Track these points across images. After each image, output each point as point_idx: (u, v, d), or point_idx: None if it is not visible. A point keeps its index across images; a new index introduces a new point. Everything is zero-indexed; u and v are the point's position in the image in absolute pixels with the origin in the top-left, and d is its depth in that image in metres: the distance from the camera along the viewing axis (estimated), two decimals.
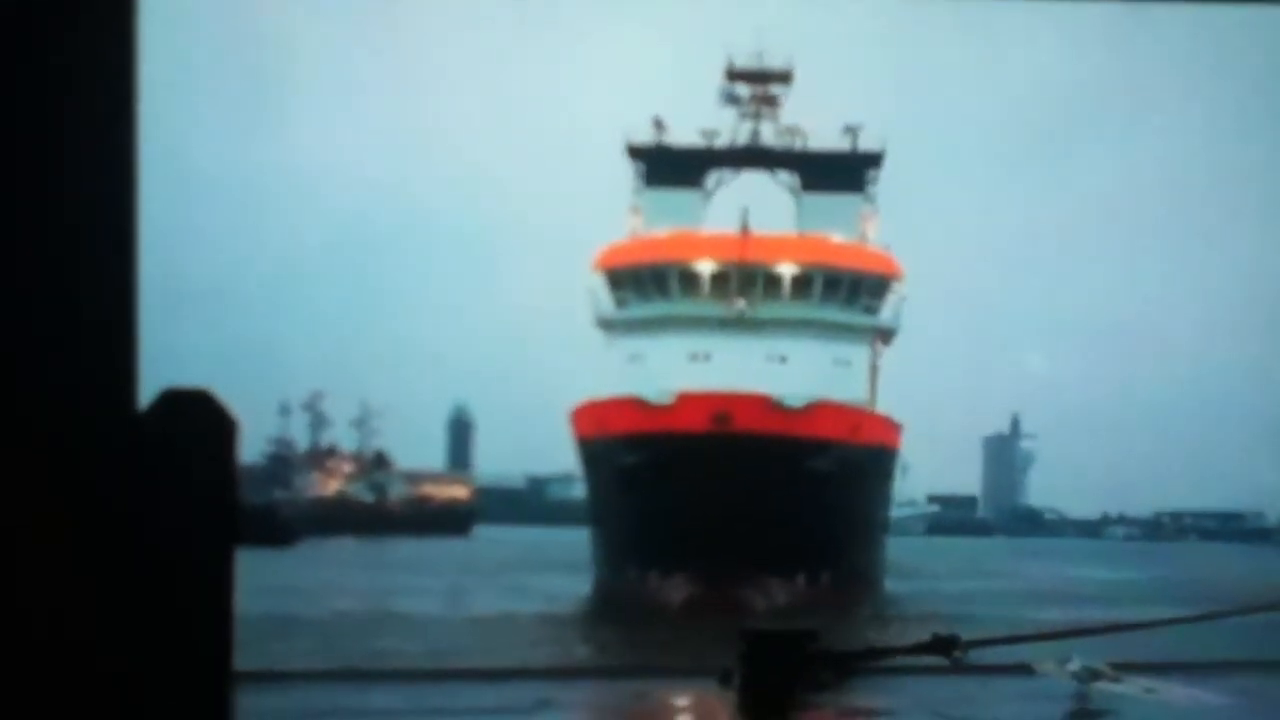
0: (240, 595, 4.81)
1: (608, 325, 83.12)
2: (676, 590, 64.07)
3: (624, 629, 56.09)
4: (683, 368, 73.00)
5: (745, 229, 73.83)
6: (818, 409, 67.52)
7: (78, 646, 4.47)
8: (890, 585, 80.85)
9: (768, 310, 76.21)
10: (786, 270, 77.85)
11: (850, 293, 79.96)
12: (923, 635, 8.28)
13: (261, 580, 53.20)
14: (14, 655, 4.42)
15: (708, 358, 74.72)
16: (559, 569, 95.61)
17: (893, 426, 78.24)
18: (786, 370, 73.35)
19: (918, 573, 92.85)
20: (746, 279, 75.66)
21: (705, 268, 77.79)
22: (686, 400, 65.17)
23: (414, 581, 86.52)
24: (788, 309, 77.15)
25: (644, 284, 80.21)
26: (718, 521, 61.51)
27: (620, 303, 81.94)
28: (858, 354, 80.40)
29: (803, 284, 78.09)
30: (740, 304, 75.37)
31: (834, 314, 78.80)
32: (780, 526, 63.10)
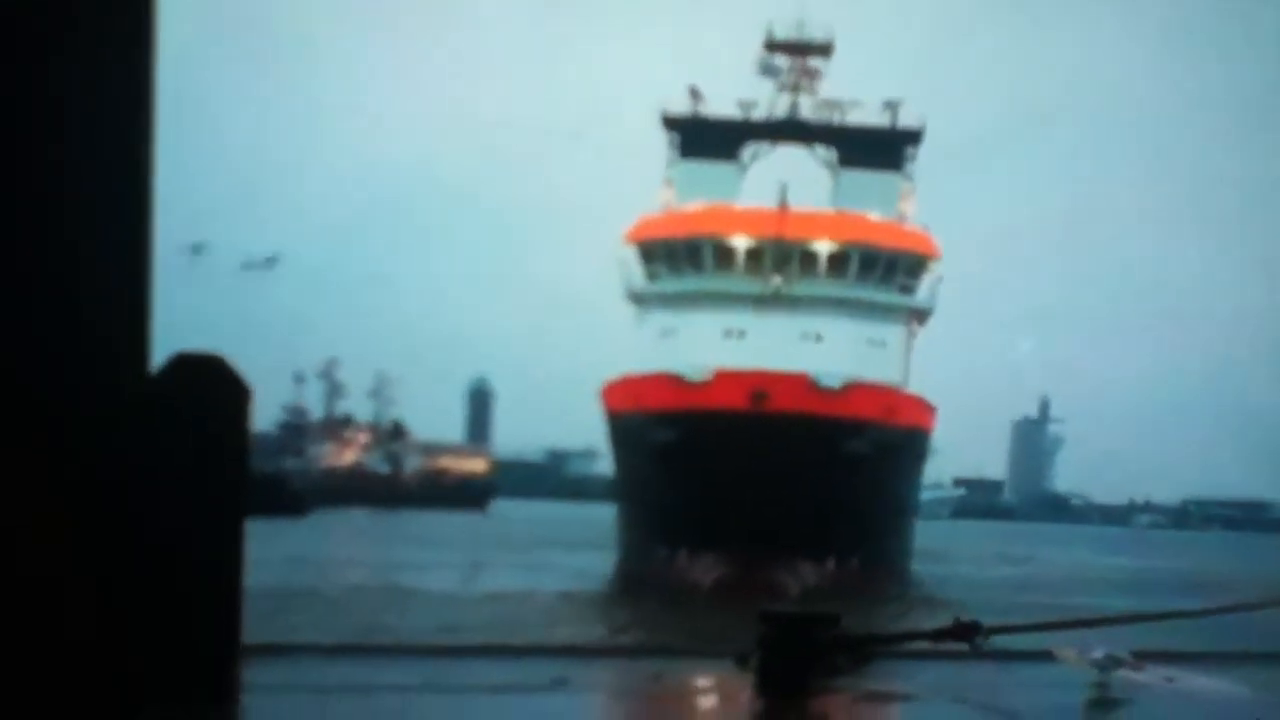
0: (250, 566, 4.87)
1: (639, 299, 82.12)
2: (706, 570, 63.20)
3: (650, 608, 55.67)
4: (717, 344, 72.28)
5: (784, 204, 72.49)
6: (855, 389, 66.53)
7: (87, 610, 4.48)
8: (918, 569, 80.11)
9: (803, 288, 75.21)
10: (823, 248, 76.63)
11: (886, 272, 78.76)
12: (959, 618, 8.25)
13: (271, 551, 53.10)
14: (28, 613, 4.43)
15: (742, 334, 73.98)
16: (582, 546, 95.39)
17: (927, 408, 77.08)
18: (821, 349, 72.52)
19: (944, 557, 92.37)
20: (782, 255, 74.65)
21: (741, 243, 76.52)
22: (724, 378, 64.32)
23: (430, 556, 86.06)
24: (823, 287, 76.08)
25: (677, 258, 79.01)
26: (751, 501, 60.71)
27: (652, 276, 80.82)
28: (892, 334, 79.44)
29: (839, 262, 76.86)
30: (776, 280, 74.39)
31: (870, 293, 77.73)
32: (814, 508, 62.38)
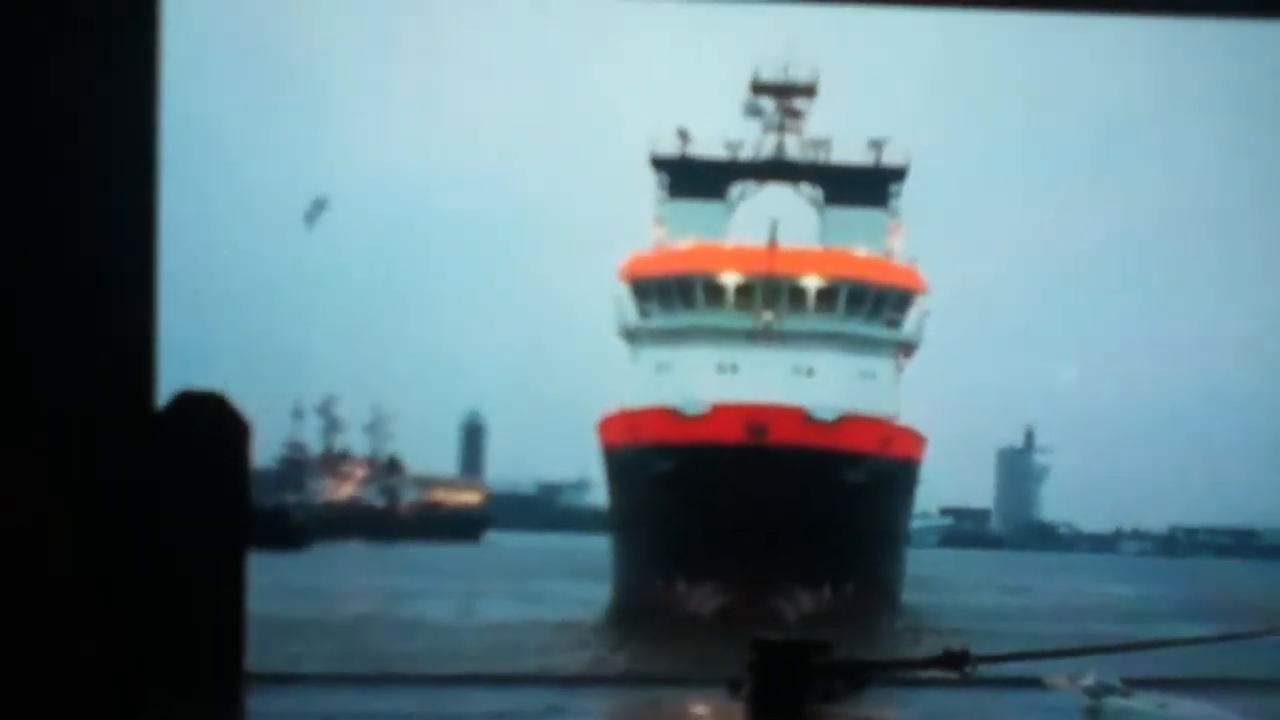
0: (253, 597, 5.05)
1: (632, 335, 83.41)
2: (705, 599, 64.51)
3: (650, 637, 57.05)
4: (711, 379, 73.51)
5: (774, 242, 73.66)
6: (850, 422, 67.85)
7: (91, 642, 4.51)
8: (910, 598, 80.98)
9: (793, 323, 76.55)
10: (812, 283, 78.10)
11: (875, 306, 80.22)
12: (949, 647, 8.33)
13: (273, 582, 53.65)
14: (27, 647, 4.49)
15: (735, 369, 75.24)
16: (575, 576, 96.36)
17: (919, 439, 78.41)
18: (813, 383, 73.75)
19: (935, 586, 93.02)
20: (772, 291, 75.87)
21: (731, 279, 77.98)
22: (722, 411, 65.57)
23: (428, 586, 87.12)
24: (813, 322, 77.46)
25: (669, 294, 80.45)
26: (749, 531, 62.05)
27: (644, 313, 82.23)
28: (882, 367, 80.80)
29: (828, 297, 78.38)
30: (768, 316, 75.74)
31: (858, 327, 79.09)
32: (810, 537, 63.58)
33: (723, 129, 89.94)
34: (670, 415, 68.06)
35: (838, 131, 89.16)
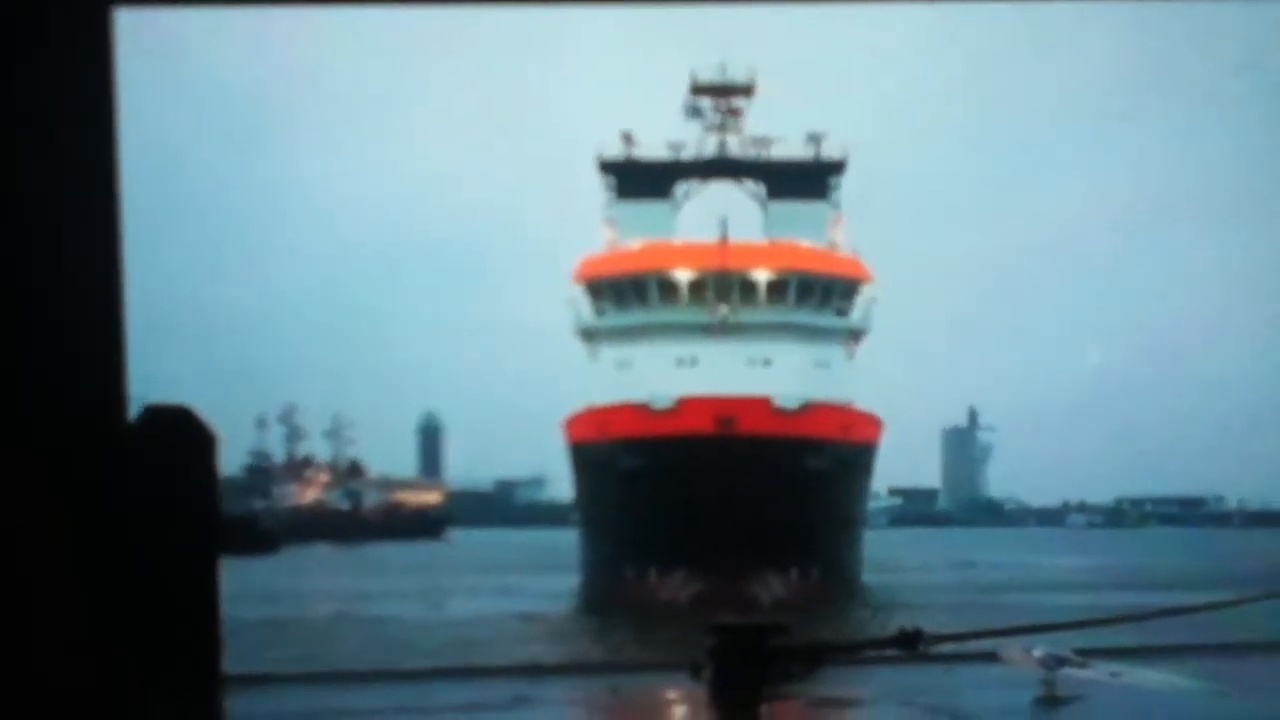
0: (227, 601, 5.11)
1: (590, 334, 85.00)
2: (678, 587, 66.11)
3: (621, 625, 57.94)
4: (671, 373, 75.03)
5: (724, 238, 75.70)
6: (813, 410, 69.69)
7: (68, 653, 4.55)
8: (871, 578, 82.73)
9: (746, 315, 78.17)
10: (762, 276, 79.86)
11: (823, 296, 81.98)
12: (919, 623, 8.36)
13: (246, 587, 52.75)
14: (5, 661, 4.50)
15: (694, 362, 76.86)
16: (539, 569, 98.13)
17: (876, 423, 79.89)
18: (771, 373, 75.24)
19: (891, 566, 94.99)
20: (724, 286, 77.73)
21: (683, 276, 79.89)
22: (690, 404, 67.31)
23: (395, 585, 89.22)
24: (765, 314, 79.14)
25: (624, 293, 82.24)
26: (718, 519, 63.77)
27: (600, 312, 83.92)
28: (835, 355, 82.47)
29: (778, 289, 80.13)
30: (723, 310, 77.50)
31: (809, 317, 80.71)
32: (777, 523, 65.44)
33: (665, 131, 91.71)
34: (639, 410, 69.58)
35: (776, 127, 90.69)
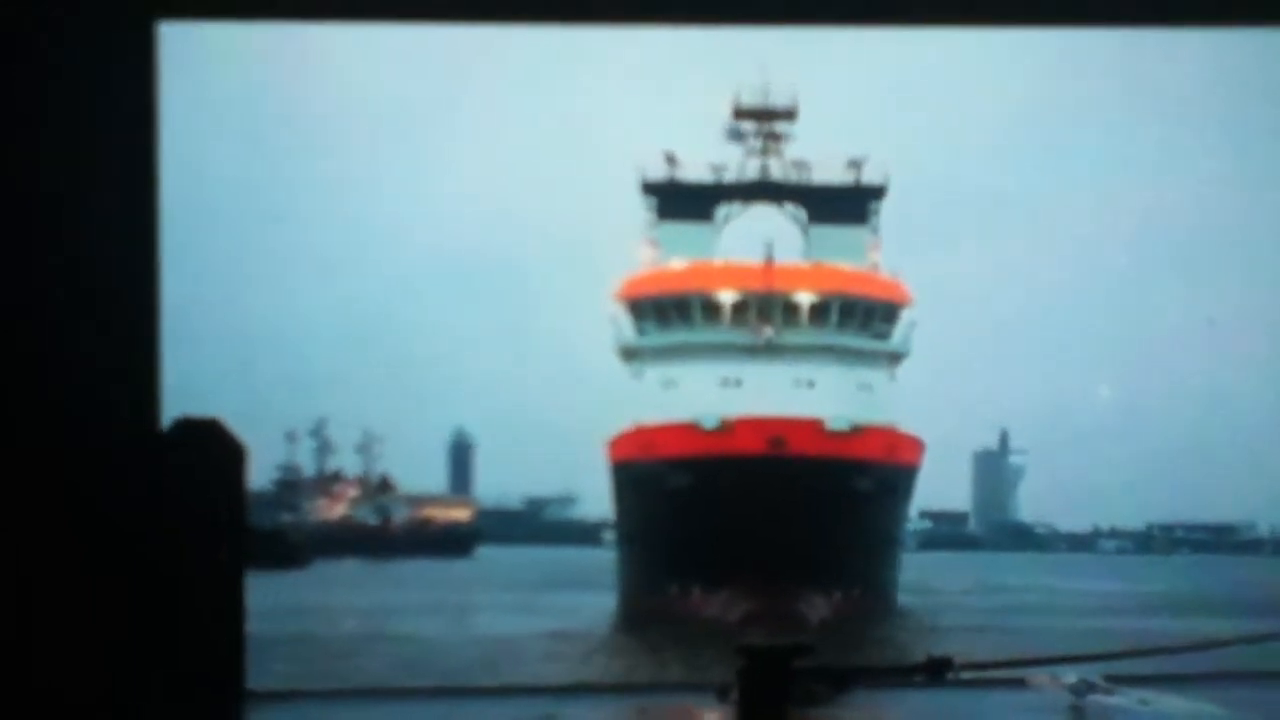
0: (254, 616, 5.09)
1: (631, 353, 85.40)
2: (725, 606, 66.42)
3: (661, 643, 57.53)
4: (716, 393, 75.25)
5: (769, 259, 76.52)
6: (863, 432, 70.12)
7: (94, 663, 4.56)
8: (905, 599, 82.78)
9: (789, 337, 78.67)
10: (805, 298, 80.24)
11: (865, 319, 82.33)
12: (951, 647, 8.64)
13: (273, 601, 54.58)
14: (30, 671, 4.52)
15: (739, 383, 77.09)
16: (571, 587, 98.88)
17: (919, 446, 79.79)
18: (815, 395, 75.41)
19: (923, 588, 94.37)
20: (767, 307, 78.23)
21: (727, 297, 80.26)
22: (742, 424, 67.76)
23: (424, 600, 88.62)
24: (807, 335, 79.52)
25: (666, 313, 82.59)
26: (767, 539, 64.25)
27: (641, 331, 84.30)
28: (877, 378, 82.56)
29: (820, 311, 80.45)
30: (768, 331, 77.98)
31: (850, 340, 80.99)
32: (824, 544, 66.01)
33: (706, 152, 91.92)
34: (689, 430, 69.86)
35: (818, 152, 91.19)
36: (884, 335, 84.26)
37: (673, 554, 70.52)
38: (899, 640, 62.10)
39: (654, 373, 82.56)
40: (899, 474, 75.76)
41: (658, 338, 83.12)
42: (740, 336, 79.05)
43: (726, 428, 68.52)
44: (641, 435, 75.03)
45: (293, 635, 54.02)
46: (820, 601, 67.70)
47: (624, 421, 79.16)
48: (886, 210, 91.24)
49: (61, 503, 4.61)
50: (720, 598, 67.22)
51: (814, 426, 68.03)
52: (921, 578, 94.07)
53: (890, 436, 74.33)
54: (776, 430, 66.70)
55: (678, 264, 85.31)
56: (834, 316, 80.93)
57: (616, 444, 79.29)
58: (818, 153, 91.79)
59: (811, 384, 77.35)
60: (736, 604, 65.92)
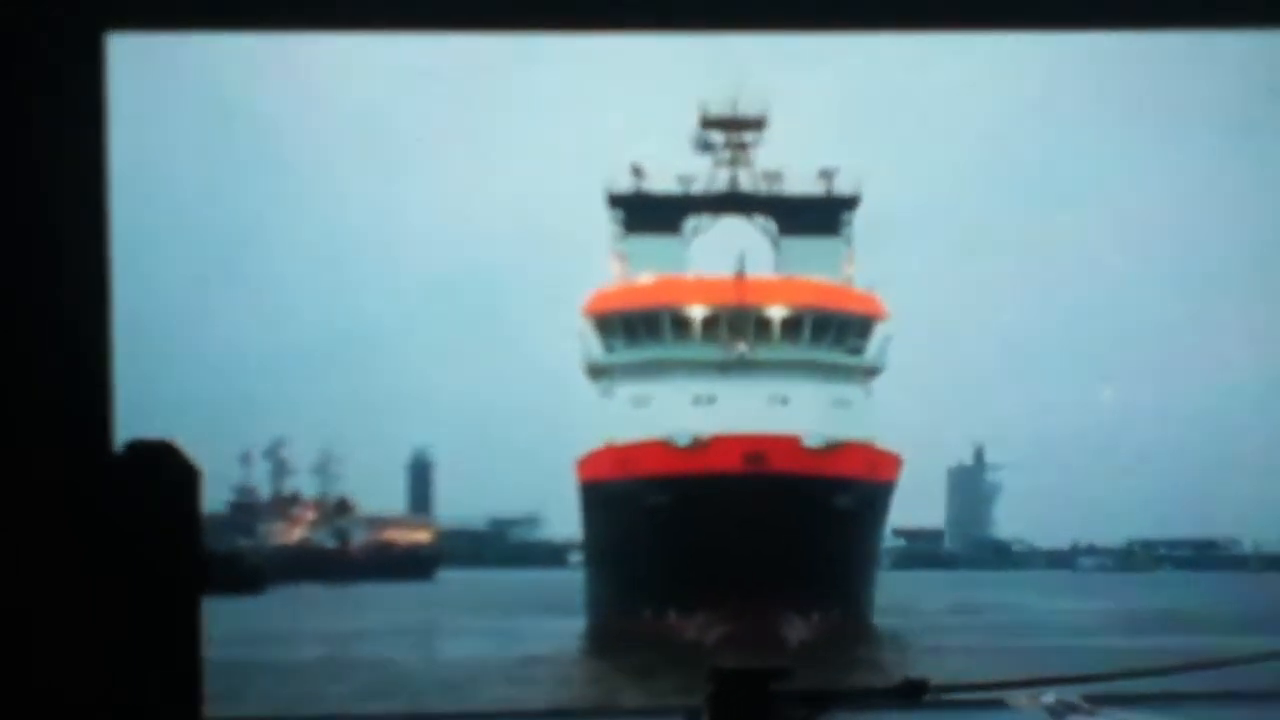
0: (211, 643, 4.77)
1: (599, 370, 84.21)
2: (702, 628, 65.31)
3: (636, 665, 56.52)
4: (689, 410, 74.15)
5: (741, 273, 75.66)
6: (842, 449, 69.06)
7: (48, 694, 4.47)
8: (881, 621, 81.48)
9: (761, 353, 77.64)
10: (777, 313, 79.16)
11: (839, 334, 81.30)
12: (928, 669, 8.24)
13: (231, 628, 53.71)
14: None
15: (712, 400, 75.85)
16: (537, 610, 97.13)
17: (898, 462, 78.57)
18: (790, 411, 74.30)
19: (899, 609, 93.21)
20: (739, 322, 77.18)
21: (697, 312, 79.15)
22: (719, 442, 66.64)
23: (387, 624, 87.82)
24: (779, 351, 78.46)
25: (635, 328, 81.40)
26: (746, 558, 63.13)
27: (609, 348, 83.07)
28: (853, 393, 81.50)
29: (793, 326, 79.39)
30: (741, 347, 76.90)
31: (824, 354, 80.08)
32: (803, 563, 64.81)
33: (674, 164, 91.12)
34: (664, 448, 68.81)
35: (788, 162, 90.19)
36: (858, 350, 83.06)
37: (646, 575, 69.42)
38: (879, 662, 61.27)
39: (624, 390, 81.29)
40: (878, 491, 74.71)
41: (626, 354, 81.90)
42: (712, 352, 78.00)
43: (702, 445, 67.56)
44: (613, 454, 73.79)
45: (252, 662, 53.28)
46: (800, 623, 66.65)
47: (592, 440, 78.04)
48: (860, 221, 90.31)
49: (10, 529, 4.36)
50: (697, 620, 66.29)
51: (792, 443, 66.96)
52: (898, 598, 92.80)
53: (869, 453, 73.29)
54: (754, 447, 65.67)
55: (646, 278, 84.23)
56: (807, 331, 79.87)
57: (586, 463, 78.05)
58: (790, 162, 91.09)
59: (786, 400, 76.16)
60: (714, 626, 64.90)
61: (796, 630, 65.65)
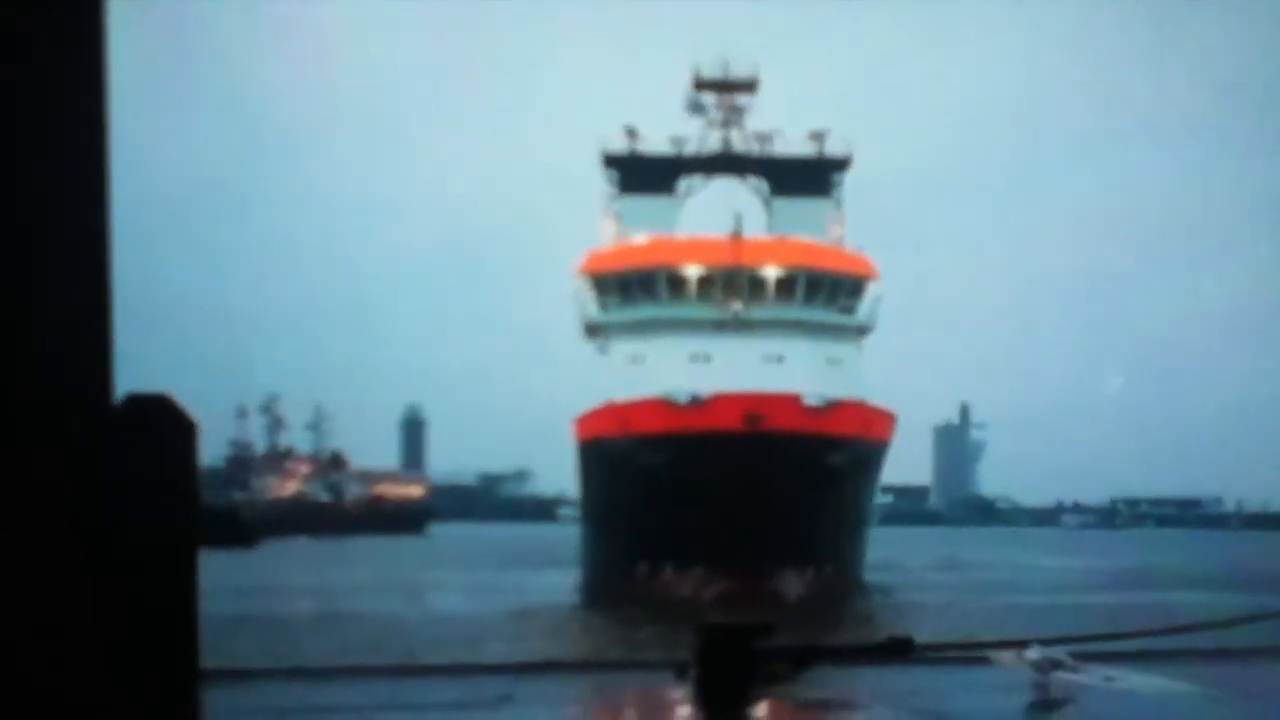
0: (205, 595, 5.04)
1: (595, 329, 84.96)
2: (698, 584, 65.28)
3: (634, 621, 55.21)
4: (685, 368, 74.69)
5: (738, 233, 76.08)
6: (839, 408, 69.36)
7: (45, 644, 4.55)
8: (869, 576, 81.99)
9: (758, 312, 78.19)
10: (771, 273, 79.78)
11: (830, 293, 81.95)
12: (914, 627, 8.84)
13: (225, 581, 53.62)
14: None
15: (708, 358, 76.59)
16: (529, 564, 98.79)
17: (891, 420, 78.95)
18: (785, 369, 74.91)
19: (885, 565, 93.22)
20: (734, 282, 77.72)
21: (693, 271, 79.94)
22: (720, 401, 66.81)
23: (386, 578, 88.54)
24: (773, 310, 79.04)
25: (630, 288, 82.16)
26: (743, 516, 63.47)
27: (604, 307, 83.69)
28: (845, 352, 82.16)
29: (786, 286, 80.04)
30: (737, 306, 77.47)
31: (816, 314, 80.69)
32: (799, 520, 65.58)
33: (667, 125, 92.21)
34: (664, 406, 68.94)
35: (784, 122, 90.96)
36: (850, 309, 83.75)
37: (644, 531, 69.79)
38: (869, 618, 61.31)
39: (619, 348, 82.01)
40: (872, 449, 75.29)
41: (622, 313, 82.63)
42: (707, 311, 78.52)
43: (702, 404, 67.71)
44: (612, 412, 73.77)
45: (247, 615, 53.29)
46: (795, 579, 66.81)
47: (587, 398, 78.31)
48: (851, 184, 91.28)
49: (10, 480, 4.52)
50: (694, 576, 66.24)
51: (792, 402, 67.15)
52: (885, 554, 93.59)
53: (864, 411, 73.66)
54: (753, 406, 65.80)
55: (641, 238, 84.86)
56: (801, 291, 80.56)
57: (584, 421, 78.19)
58: (781, 123, 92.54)
59: (781, 359, 76.87)
60: (712, 582, 64.84)
61: (792, 586, 65.92)
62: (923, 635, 8.93)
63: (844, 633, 48.15)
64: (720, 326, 77.72)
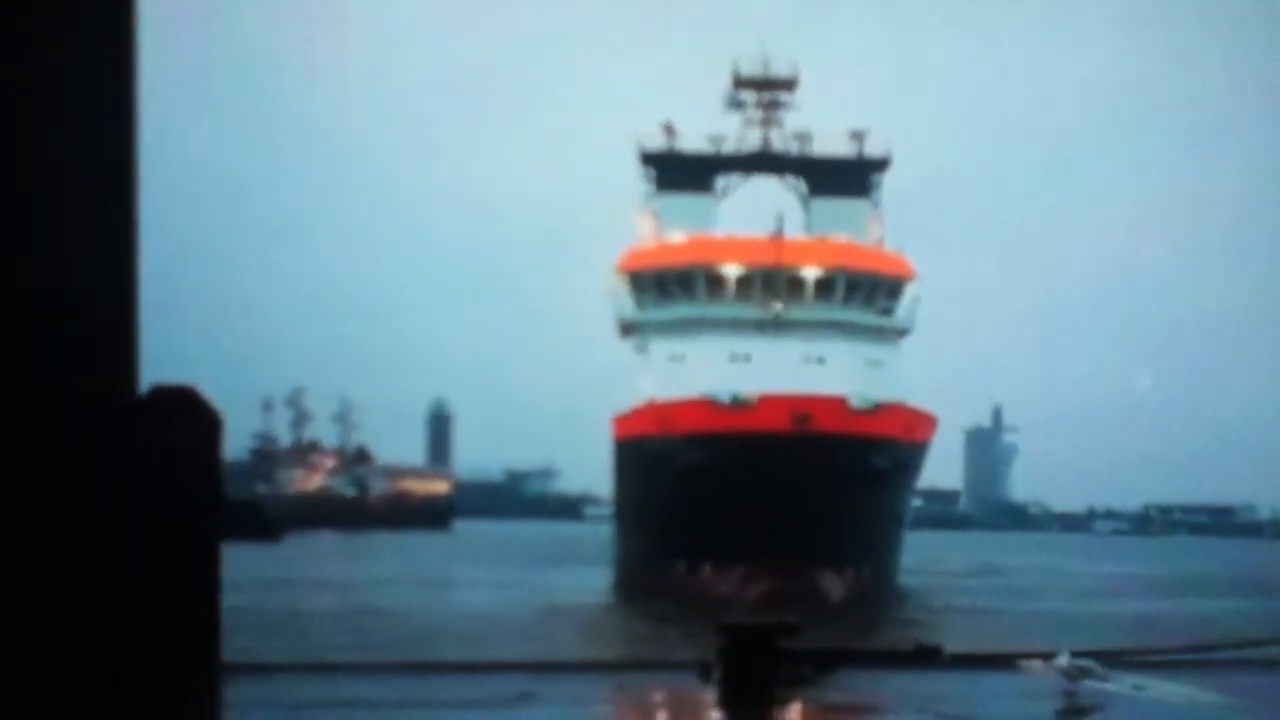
0: (228, 590, 5.06)
1: (631, 327, 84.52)
2: (737, 583, 65.26)
3: (661, 618, 55.69)
4: (725, 368, 74.12)
5: (779, 233, 75.90)
6: (883, 409, 69.07)
7: (67, 633, 4.58)
8: (910, 581, 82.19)
9: (797, 312, 77.68)
10: (810, 273, 79.30)
11: (870, 294, 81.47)
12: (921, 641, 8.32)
13: (248, 574, 52.39)
14: (3, 640, 4.54)
15: (748, 359, 76.04)
16: (555, 562, 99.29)
17: (933, 422, 78.11)
18: (826, 371, 74.67)
19: (928, 569, 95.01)
20: (773, 282, 77.36)
21: (731, 271, 79.29)
22: (767, 401, 66.44)
23: (410, 573, 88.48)
24: (813, 311, 78.54)
25: (668, 286, 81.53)
26: (787, 516, 63.23)
27: (641, 305, 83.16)
28: (885, 353, 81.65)
29: (826, 286, 79.51)
30: (777, 306, 77.03)
31: (855, 315, 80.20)
32: (843, 522, 65.24)
33: (705, 123, 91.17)
34: (710, 406, 68.42)
35: (822, 121, 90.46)
36: (889, 310, 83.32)
37: (682, 530, 69.27)
38: (904, 621, 61.30)
39: (657, 347, 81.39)
40: (914, 451, 74.84)
41: (659, 312, 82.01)
42: (747, 311, 77.98)
43: (748, 404, 67.24)
44: (653, 411, 73.33)
45: (270, 608, 53.38)
46: (835, 580, 66.96)
47: (618, 395, 78.79)
48: (890, 185, 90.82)
49: (38, 470, 4.58)
50: (735, 575, 66.07)
51: (839, 404, 66.90)
52: (919, 558, 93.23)
53: (907, 413, 73.26)
54: (801, 407, 65.53)
55: (678, 237, 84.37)
56: (840, 291, 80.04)
57: (624, 420, 77.64)
58: (823, 121, 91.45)
59: (822, 360, 76.46)
60: (754, 582, 64.60)
61: (834, 587, 66.00)
62: (954, 640, 8.52)
63: (878, 637, 47.99)
64: (760, 326, 77.21)
